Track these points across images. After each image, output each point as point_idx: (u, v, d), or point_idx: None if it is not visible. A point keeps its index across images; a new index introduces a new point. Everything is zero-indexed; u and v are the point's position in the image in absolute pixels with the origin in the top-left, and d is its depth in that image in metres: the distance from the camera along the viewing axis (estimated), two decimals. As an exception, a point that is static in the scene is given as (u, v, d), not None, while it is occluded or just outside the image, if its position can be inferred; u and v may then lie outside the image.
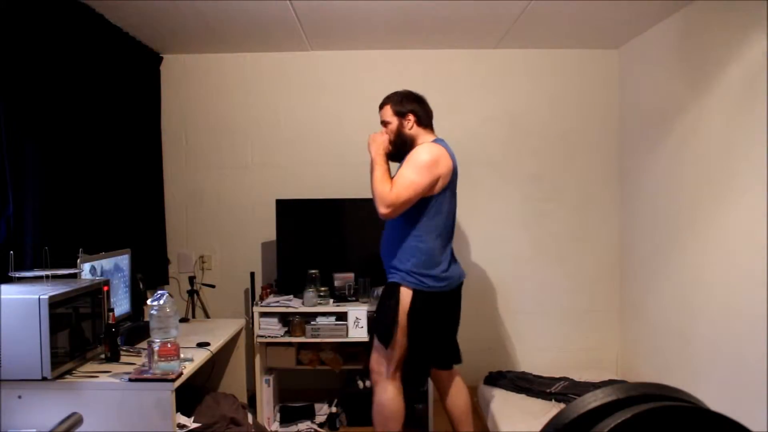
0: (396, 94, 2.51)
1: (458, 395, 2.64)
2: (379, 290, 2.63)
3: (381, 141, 2.46)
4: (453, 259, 2.50)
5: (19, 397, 1.95)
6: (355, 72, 3.55)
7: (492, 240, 3.59)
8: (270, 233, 3.41)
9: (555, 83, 3.56)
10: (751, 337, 2.27)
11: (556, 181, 3.58)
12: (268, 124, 3.58)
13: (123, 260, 2.78)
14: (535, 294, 3.60)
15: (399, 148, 2.46)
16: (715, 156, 2.55)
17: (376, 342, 2.48)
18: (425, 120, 2.49)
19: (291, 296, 3.21)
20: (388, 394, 2.45)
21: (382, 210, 2.31)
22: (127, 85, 3.10)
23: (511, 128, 3.57)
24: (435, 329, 2.45)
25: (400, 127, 2.46)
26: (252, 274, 3.34)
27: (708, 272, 2.61)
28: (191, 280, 3.43)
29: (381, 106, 2.52)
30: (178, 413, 2.33)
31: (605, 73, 3.56)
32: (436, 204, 2.37)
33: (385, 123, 2.50)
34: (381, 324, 2.45)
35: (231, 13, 2.82)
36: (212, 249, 3.60)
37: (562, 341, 3.59)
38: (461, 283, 2.52)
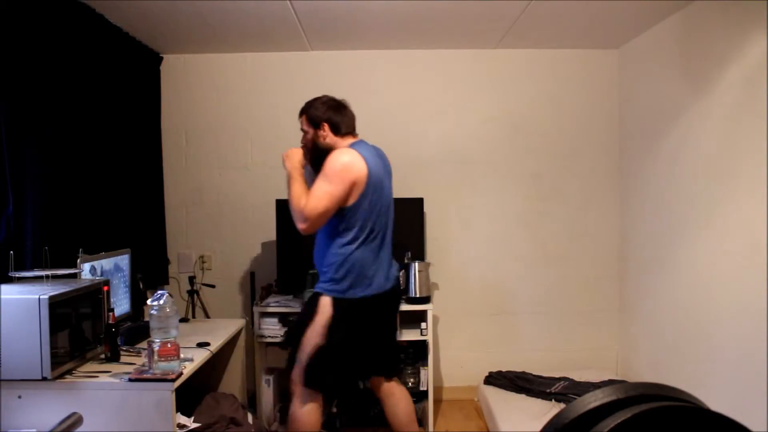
0: (315, 100, 2.42)
1: (397, 405, 2.53)
2: None
3: (295, 155, 2.39)
4: (387, 266, 2.41)
5: (19, 397, 1.95)
6: (355, 72, 3.55)
7: (492, 239, 3.59)
8: (270, 233, 3.41)
9: (555, 83, 3.56)
10: (751, 337, 2.27)
11: (556, 180, 3.58)
12: (268, 124, 3.58)
13: (123, 260, 2.79)
14: (535, 294, 3.60)
15: (315, 158, 2.36)
16: (715, 156, 2.55)
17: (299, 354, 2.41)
18: (343, 128, 2.39)
19: (291, 296, 3.21)
20: (304, 408, 2.40)
21: (300, 225, 2.26)
22: (127, 85, 3.10)
23: (511, 128, 3.57)
24: (357, 338, 2.35)
25: (315, 137, 2.38)
26: (252, 274, 3.34)
27: (708, 272, 2.61)
28: (191, 280, 3.43)
29: (300, 114, 2.44)
30: (178, 413, 2.33)
31: (605, 73, 3.56)
32: (353, 211, 2.27)
33: (303, 132, 2.44)
34: (295, 330, 2.41)
35: (231, 13, 2.82)
36: (212, 249, 3.60)
37: (562, 341, 3.59)
38: (393, 289, 2.44)
